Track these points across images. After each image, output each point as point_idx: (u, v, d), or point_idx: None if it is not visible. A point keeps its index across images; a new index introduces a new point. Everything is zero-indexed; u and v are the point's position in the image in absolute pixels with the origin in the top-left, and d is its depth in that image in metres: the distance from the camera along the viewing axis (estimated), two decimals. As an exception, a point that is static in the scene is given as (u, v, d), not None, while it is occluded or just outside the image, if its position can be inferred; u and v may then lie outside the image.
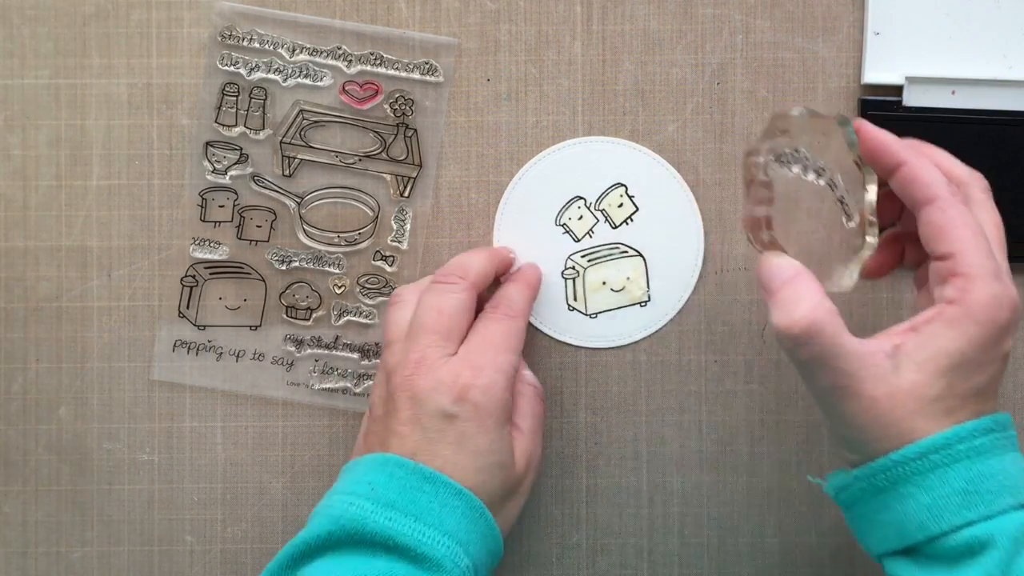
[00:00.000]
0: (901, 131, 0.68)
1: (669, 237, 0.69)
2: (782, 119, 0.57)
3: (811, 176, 0.57)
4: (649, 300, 0.70)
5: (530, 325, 0.70)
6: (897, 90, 0.68)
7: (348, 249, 0.70)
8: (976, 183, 0.58)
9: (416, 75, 0.70)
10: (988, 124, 0.68)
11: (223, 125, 0.70)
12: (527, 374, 0.66)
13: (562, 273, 0.69)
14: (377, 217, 0.70)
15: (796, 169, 0.57)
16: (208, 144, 0.70)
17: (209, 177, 0.70)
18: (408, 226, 0.70)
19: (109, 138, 0.70)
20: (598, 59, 0.70)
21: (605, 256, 0.69)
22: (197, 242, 0.70)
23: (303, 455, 0.71)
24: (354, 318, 0.70)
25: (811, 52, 0.70)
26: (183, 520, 0.71)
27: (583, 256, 0.69)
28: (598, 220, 0.69)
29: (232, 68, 0.70)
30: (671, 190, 0.68)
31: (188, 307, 0.70)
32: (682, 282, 0.69)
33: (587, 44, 0.70)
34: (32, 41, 0.70)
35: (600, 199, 0.69)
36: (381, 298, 0.70)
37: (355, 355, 0.70)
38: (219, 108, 0.70)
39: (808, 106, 0.59)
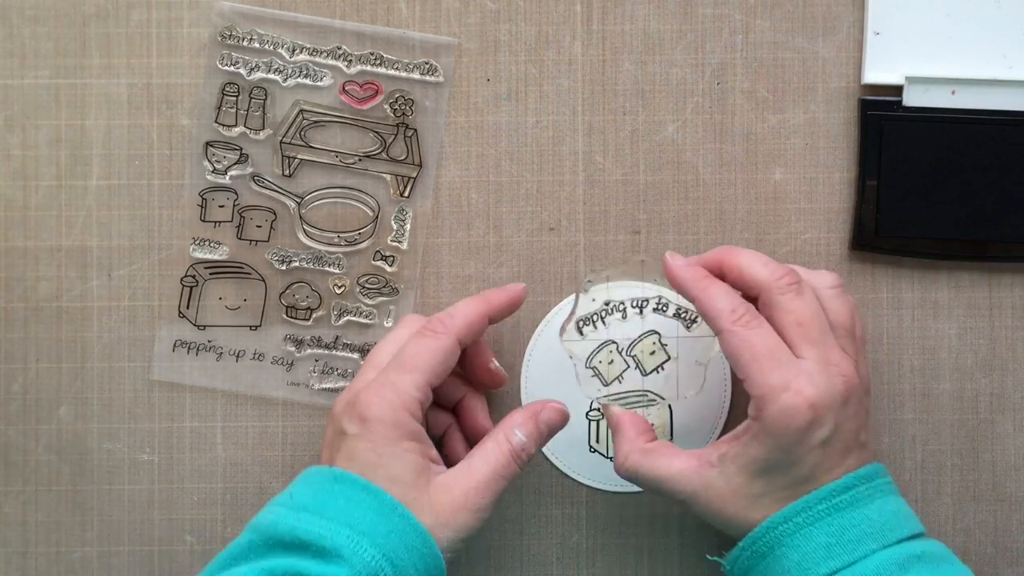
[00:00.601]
0: (902, 131, 0.68)
1: (698, 389, 0.68)
2: (582, 288, 0.67)
3: (632, 314, 0.67)
4: None
5: (549, 463, 0.70)
6: (897, 90, 0.68)
7: (348, 249, 0.70)
8: (774, 284, 0.62)
9: (416, 75, 0.70)
10: (988, 124, 0.68)
11: (223, 125, 0.70)
12: (517, 432, 0.63)
13: (587, 414, 0.69)
14: (377, 217, 0.70)
15: (611, 319, 0.67)
16: (208, 144, 0.70)
17: (209, 177, 0.70)
18: (408, 226, 0.70)
19: (109, 138, 0.70)
20: (598, 59, 0.70)
21: (633, 402, 0.68)
22: (197, 242, 0.70)
23: (303, 455, 0.71)
24: (354, 318, 0.70)
25: (811, 52, 0.70)
26: (183, 520, 0.71)
27: (610, 400, 0.69)
28: (628, 366, 0.69)
29: (232, 68, 0.70)
30: (705, 342, 0.67)
31: (188, 307, 0.70)
32: (704, 434, 0.69)
33: (587, 44, 0.70)
34: (32, 41, 0.70)
35: (633, 345, 0.68)
36: (381, 298, 0.70)
37: (355, 355, 0.70)
38: (219, 108, 0.70)
39: (602, 270, 0.68)
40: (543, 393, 0.69)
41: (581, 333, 0.67)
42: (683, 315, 0.67)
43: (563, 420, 0.65)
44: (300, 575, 0.58)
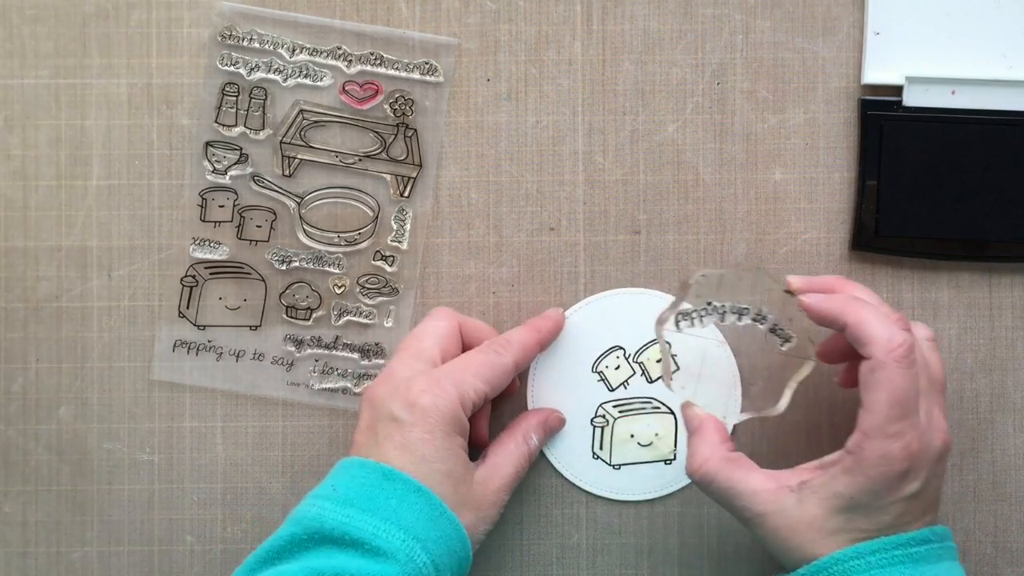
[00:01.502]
0: (901, 131, 0.68)
1: (705, 400, 0.67)
2: (690, 283, 0.64)
3: (730, 320, 0.65)
4: (675, 459, 0.69)
5: (551, 467, 0.70)
6: (897, 90, 0.68)
7: (348, 249, 0.70)
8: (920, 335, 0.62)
9: (416, 75, 0.70)
10: (988, 124, 0.68)
11: (223, 125, 0.70)
12: (533, 436, 0.67)
13: (591, 420, 0.69)
14: (377, 217, 0.70)
15: (710, 320, 0.65)
16: (208, 144, 0.70)
17: (209, 177, 0.70)
18: (408, 226, 0.70)
19: (109, 138, 0.70)
20: (598, 59, 0.70)
21: (637, 409, 0.68)
22: (197, 242, 0.70)
23: (303, 455, 0.71)
24: (354, 318, 0.70)
25: (811, 52, 0.70)
26: (183, 520, 0.71)
27: (615, 406, 0.69)
28: (635, 372, 0.69)
29: (232, 68, 0.70)
30: (714, 354, 0.68)
31: (188, 307, 0.70)
32: None
33: (587, 44, 0.70)
34: (32, 41, 0.70)
35: (640, 352, 0.69)
36: (381, 298, 0.70)
37: (355, 355, 0.70)
38: (219, 108, 0.70)
39: (717, 268, 0.68)
40: (550, 396, 0.69)
41: (678, 327, 0.65)
42: (779, 332, 0.65)
43: (562, 427, 0.69)
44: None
